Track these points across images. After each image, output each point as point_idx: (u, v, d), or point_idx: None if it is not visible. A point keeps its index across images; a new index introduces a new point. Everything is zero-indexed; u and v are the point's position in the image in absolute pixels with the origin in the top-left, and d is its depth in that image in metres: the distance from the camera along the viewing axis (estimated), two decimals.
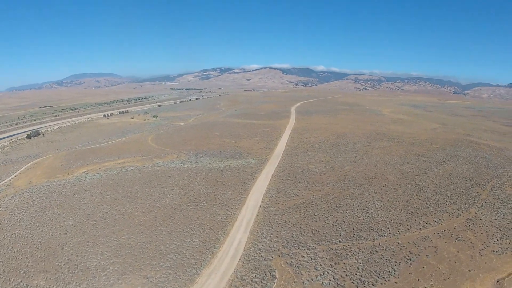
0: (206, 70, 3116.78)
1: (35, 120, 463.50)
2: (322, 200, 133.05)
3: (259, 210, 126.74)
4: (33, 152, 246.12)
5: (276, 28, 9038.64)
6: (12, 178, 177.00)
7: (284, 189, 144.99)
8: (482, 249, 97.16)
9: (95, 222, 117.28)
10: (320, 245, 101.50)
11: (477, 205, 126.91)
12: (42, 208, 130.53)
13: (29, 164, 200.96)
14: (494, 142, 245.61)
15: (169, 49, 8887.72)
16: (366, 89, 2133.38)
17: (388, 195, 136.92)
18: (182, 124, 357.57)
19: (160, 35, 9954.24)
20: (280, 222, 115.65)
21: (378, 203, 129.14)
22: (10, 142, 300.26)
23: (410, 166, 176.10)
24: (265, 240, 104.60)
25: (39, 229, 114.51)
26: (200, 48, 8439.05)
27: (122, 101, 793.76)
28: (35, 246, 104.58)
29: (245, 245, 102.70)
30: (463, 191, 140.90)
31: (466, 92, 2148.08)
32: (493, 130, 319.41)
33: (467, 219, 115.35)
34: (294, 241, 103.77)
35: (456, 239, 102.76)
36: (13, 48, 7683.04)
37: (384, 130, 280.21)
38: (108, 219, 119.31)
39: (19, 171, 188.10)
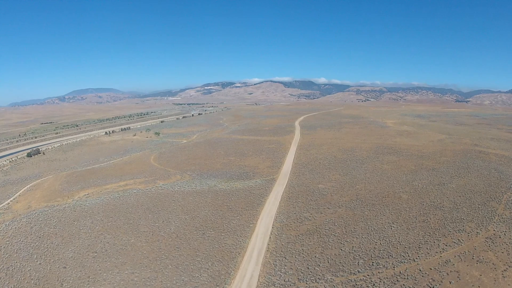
0: (208, 84, 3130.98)
1: (36, 138, 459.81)
2: (336, 224, 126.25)
3: (270, 237, 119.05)
4: (33, 172, 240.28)
5: (277, 41, 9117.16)
6: (10, 201, 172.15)
7: (295, 213, 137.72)
8: (505, 270, 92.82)
9: (95, 254, 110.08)
10: (338, 276, 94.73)
11: (494, 222, 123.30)
12: (40, 237, 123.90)
13: (28, 186, 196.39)
14: (502, 151, 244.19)
15: (171, 64, 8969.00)
16: (368, 100, 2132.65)
17: (403, 216, 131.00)
18: (185, 141, 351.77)
19: (162, 50, 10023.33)
20: (294, 251, 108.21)
21: (394, 225, 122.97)
22: (10, 161, 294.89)
23: (423, 181, 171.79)
24: (279, 273, 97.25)
25: (37, 261, 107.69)
26: (202, 63, 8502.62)
27: (124, 117, 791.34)
28: (33, 281, 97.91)
29: (258, 279, 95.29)
30: (479, 206, 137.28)
31: (468, 99, 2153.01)
32: (499, 138, 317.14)
33: (486, 238, 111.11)
34: (310, 273, 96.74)
35: (477, 261, 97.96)
36: (16, 64, 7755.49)
37: (391, 143, 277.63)
38: (110, 250, 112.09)
39: (18, 194, 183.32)
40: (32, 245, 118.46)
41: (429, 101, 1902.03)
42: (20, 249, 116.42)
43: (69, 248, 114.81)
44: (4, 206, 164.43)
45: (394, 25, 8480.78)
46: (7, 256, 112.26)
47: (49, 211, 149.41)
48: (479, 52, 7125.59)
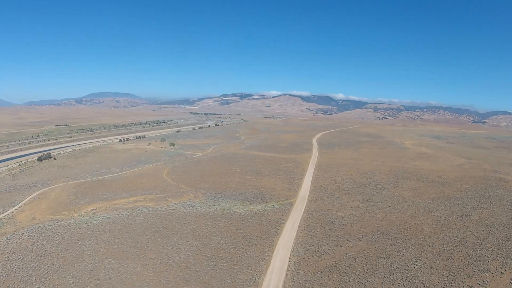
0: (226, 95, 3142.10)
1: (48, 140, 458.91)
2: (357, 260, 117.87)
3: (286, 274, 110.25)
4: (42, 178, 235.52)
5: (296, 55, 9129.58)
6: (15, 209, 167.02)
7: (313, 245, 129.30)
8: None
9: (98, 281, 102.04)
10: None
11: None
12: (41, 256, 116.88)
13: (35, 194, 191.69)
14: None
15: (189, 73, 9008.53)
16: (385, 118, 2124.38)
17: (426, 252, 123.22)
18: (200, 154, 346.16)
19: (182, 58, 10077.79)
20: None
21: (418, 263, 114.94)
22: (20, 164, 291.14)
23: (445, 212, 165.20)
24: None
25: (35, 285, 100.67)
26: (220, 73, 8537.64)
27: (140, 124, 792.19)
28: None
29: None
30: (503, 242, 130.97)
31: (484, 120, 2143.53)
32: None
33: (511, 279, 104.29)
34: None
35: None
36: (35, 63, 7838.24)
37: (411, 167, 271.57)
38: (114, 278, 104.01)
39: (23, 202, 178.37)
40: (32, 264, 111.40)
41: (445, 121, 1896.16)
42: (19, 268, 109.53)
43: (71, 272, 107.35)
44: (8, 215, 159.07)
45: (414, 45, 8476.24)
46: (5, 275, 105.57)
47: (53, 226, 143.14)
48: (497, 73, 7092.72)
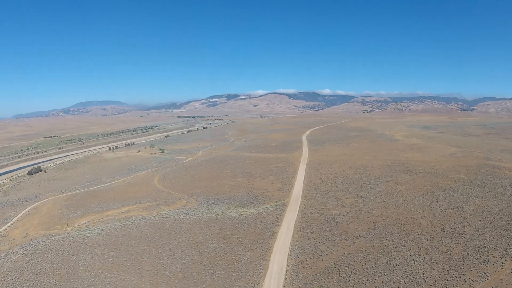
0: (213, 97, 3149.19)
1: (38, 153, 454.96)
2: (355, 259, 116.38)
3: (285, 278, 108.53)
4: (33, 192, 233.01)
5: (281, 53, 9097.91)
6: (8, 226, 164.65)
7: (310, 246, 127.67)
8: None
9: None
10: None
11: None
12: (36, 274, 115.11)
13: (27, 209, 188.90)
14: None
15: (175, 77, 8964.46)
16: (373, 110, 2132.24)
17: (425, 247, 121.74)
18: (190, 158, 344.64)
19: (166, 62, 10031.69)
20: None
21: (417, 259, 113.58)
22: (10, 180, 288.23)
23: (440, 204, 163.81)
24: None
25: None
26: (206, 75, 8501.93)
27: (129, 131, 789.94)
28: None
29: None
30: (501, 231, 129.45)
31: (473, 107, 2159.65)
32: (509, 149, 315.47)
33: None
34: None
35: None
36: (22, 75, 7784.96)
37: (403, 160, 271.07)
38: None
39: (16, 218, 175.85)
40: (28, 283, 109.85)
41: (434, 111, 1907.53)
42: None
43: None
44: (1, 232, 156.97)
45: (398, 35, 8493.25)
46: None
47: (47, 241, 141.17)
48: (483, 59, 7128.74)
